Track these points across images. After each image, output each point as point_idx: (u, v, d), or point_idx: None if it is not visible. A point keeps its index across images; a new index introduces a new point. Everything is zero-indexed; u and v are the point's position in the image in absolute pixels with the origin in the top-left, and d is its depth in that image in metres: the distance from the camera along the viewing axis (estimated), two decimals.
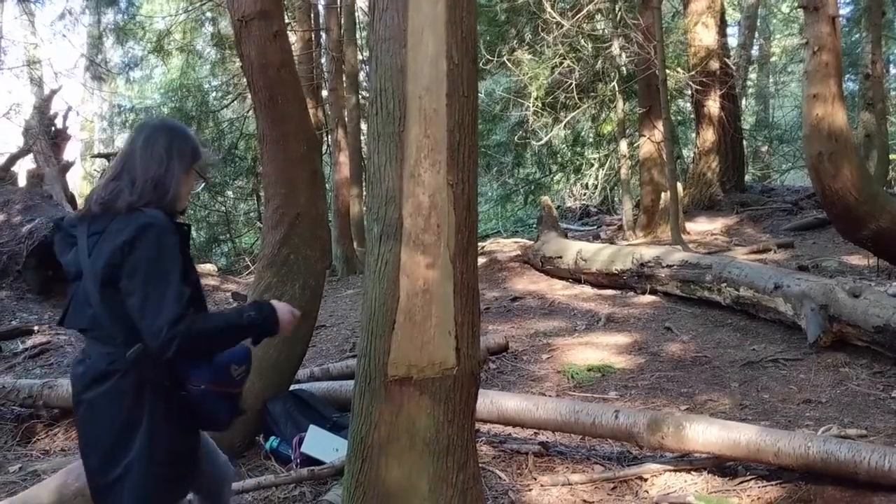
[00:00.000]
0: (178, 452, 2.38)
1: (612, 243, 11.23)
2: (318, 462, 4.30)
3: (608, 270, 8.35)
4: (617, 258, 8.28)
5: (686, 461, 4.04)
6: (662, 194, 13.62)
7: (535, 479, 4.12)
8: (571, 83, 13.48)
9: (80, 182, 19.57)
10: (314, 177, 4.97)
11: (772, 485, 3.72)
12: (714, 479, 3.89)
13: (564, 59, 13.82)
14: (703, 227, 13.41)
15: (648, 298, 7.75)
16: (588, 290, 8.64)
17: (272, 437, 4.52)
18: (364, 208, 16.22)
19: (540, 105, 14.21)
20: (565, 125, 15.50)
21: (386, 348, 2.89)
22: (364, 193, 16.80)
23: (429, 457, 2.93)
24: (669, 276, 7.49)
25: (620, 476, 4.04)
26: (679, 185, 13.01)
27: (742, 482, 3.81)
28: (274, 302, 2.51)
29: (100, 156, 16.07)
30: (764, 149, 22.07)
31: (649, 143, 14.37)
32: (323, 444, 4.38)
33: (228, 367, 2.38)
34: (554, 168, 20.46)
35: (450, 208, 2.89)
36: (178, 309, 2.18)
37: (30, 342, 8.63)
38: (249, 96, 15.99)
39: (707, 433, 3.78)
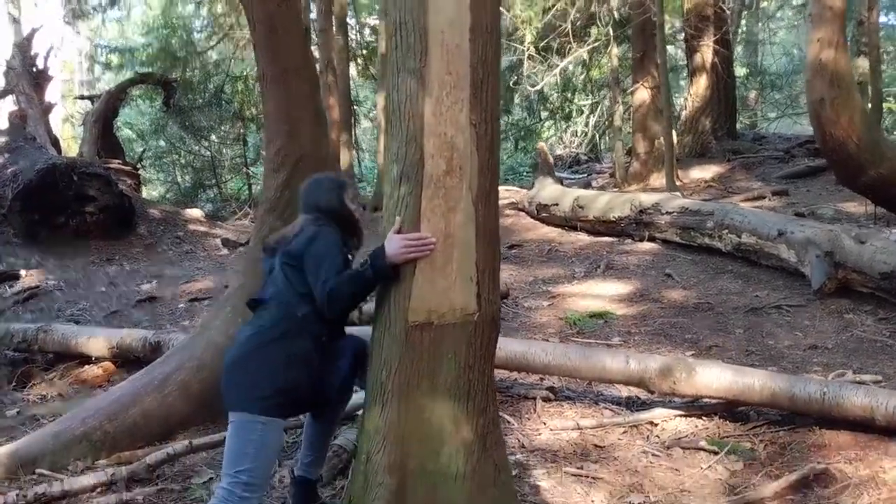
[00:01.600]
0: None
1: (598, 191, 11.17)
2: None
3: (606, 217, 8.28)
4: (615, 205, 8.21)
5: (697, 406, 4.03)
6: (655, 142, 13.54)
7: (545, 424, 4.10)
8: (566, 27, 13.22)
9: (62, 125, 19.17)
10: (317, 116, 4.83)
11: (784, 430, 3.72)
12: (725, 425, 3.88)
13: (558, 0, 13.57)
14: (695, 175, 13.33)
15: (647, 245, 7.70)
16: (585, 237, 8.58)
17: None
18: (352, 153, 16.03)
19: (534, 50, 13.98)
20: (556, 71, 15.28)
21: (406, 293, 2.81)
22: (353, 138, 16.61)
23: (449, 401, 2.87)
24: (669, 223, 7.44)
25: (631, 421, 4.03)
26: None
27: (754, 427, 3.81)
28: (386, 241, 2.79)
29: (83, 97, 15.71)
30: (751, 96, 21.92)
31: (642, 89, 14.21)
32: None
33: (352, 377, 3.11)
34: (544, 115, 20.27)
35: (472, 149, 2.79)
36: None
37: (18, 286, 8.50)
38: (236, 36, 15.62)
39: (721, 378, 3.75)
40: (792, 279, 6.03)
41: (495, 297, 2.94)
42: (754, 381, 3.67)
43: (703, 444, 3.72)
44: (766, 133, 17.65)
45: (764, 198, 10.21)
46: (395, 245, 2.73)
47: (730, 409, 3.94)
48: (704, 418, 3.97)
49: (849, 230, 5.48)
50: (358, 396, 4.35)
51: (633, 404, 4.26)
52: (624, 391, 4.38)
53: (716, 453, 3.65)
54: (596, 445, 3.88)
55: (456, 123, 2.76)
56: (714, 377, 3.76)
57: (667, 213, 7.46)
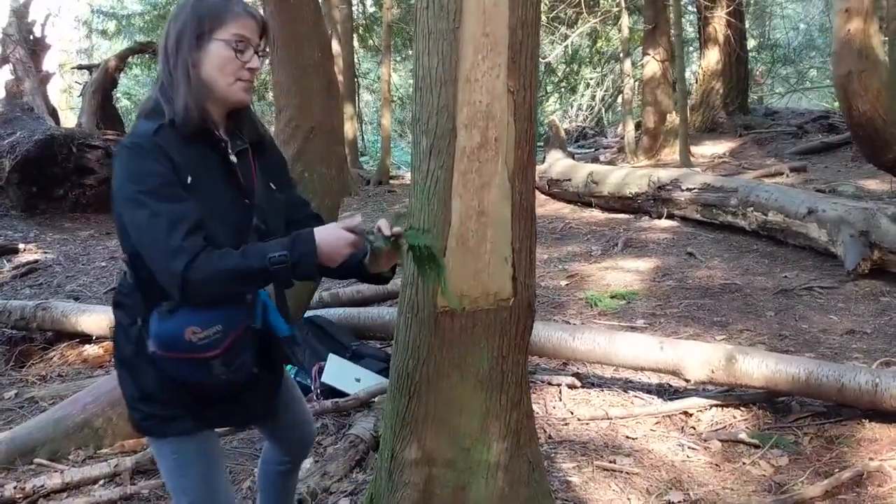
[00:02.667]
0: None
1: (612, 166, 10.90)
2: (338, 393, 4.04)
3: (621, 194, 8.03)
4: (631, 181, 7.95)
5: (734, 395, 3.81)
6: (668, 116, 13.25)
7: (572, 413, 3.88)
8: None
9: (60, 95, 18.81)
10: (330, 86, 4.57)
11: (831, 422, 3.50)
12: (766, 416, 3.66)
13: None
14: (707, 150, 13.08)
15: (665, 223, 7.47)
16: (599, 214, 8.34)
17: (288, 367, 4.22)
18: (355, 126, 15.72)
19: (544, 20, 13.65)
20: (567, 42, 14.95)
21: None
22: (356, 113, 16.28)
23: (481, 394, 2.64)
24: (689, 200, 7.19)
25: (664, 411, 3.81)
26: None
27: (797, 419, 3.59)
28: (319, 230, 1.92)
29: (81, 67, 15.38)
30: (759, 71, 21.54)
31: (653, 62, 13.89)
32: (343, 374, 4.11)
33: (181, 331, 1.85)
34: (549, 88, 19.93)
35: (509, 119, 2.53)
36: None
37: (16, 261, 8.27)
38: None
39: (763, 367, 3.53)
40: (821, 259, 5.79)
41: (532, 281, 2.71)
42: (799, 371, 3.45)
43: (743, 436, 3.50)
44: (777, 108, 17.34)
45: (782, 174, 9.94)
46: (334, 238, 1.91)
47: (770, 398, 3.72)
48: (742, 408, 3.74)
49: (884, 209, 5.23)
50: (367, 382, 4.16)
51: (664, 392, 4.03)
52: (653, 378, 4.15)
53: (757, 447, 3.44)
54: (627, 437, 3.66)
55: (492, 90, 2.50)
56: (756, 366, 3.54)
57: (687, 189, 7.21)
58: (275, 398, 2.30)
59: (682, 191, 7.25)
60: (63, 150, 9.50)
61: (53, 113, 11.75)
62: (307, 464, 3.55)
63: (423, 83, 2.58)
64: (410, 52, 19.89)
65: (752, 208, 6.45)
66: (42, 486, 3.29)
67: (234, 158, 2.00)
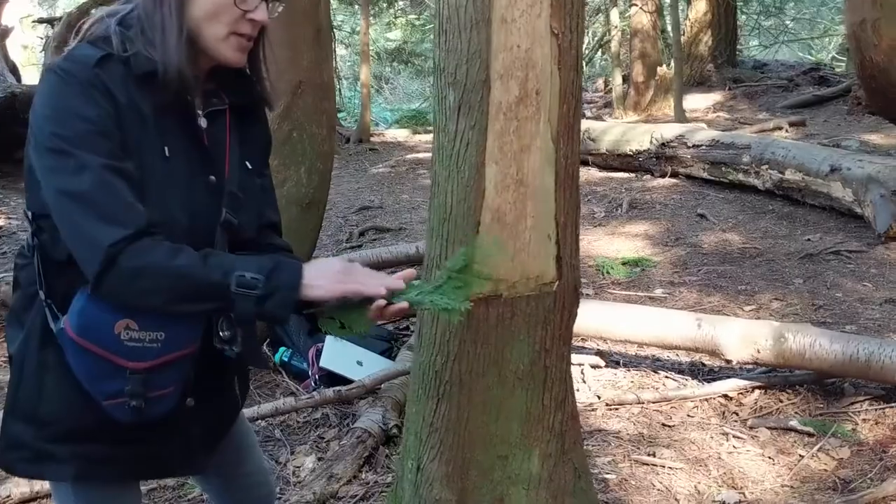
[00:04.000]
0: None
1: (606, 122, 10.48)
2: (339, 377, 3.64)
3: (620, 151, 7.62)
4: (631, 138, 7.54)
5: (779, 377, 3.45)
6: (658, 69, 12.82)
7: (599, 398, 3.51)
8: None
9: (21, 51, 17.96)
10: (319, 35, 4.10)
11: (892, 407, 3.16)
12: (816, 400, 3.32)
13: None
14: (696, 104, 12.69)
15: (669, 182, 7.08)
16: (596, 172, 7.93)
17: (282, 349, 3.83)
18: (333, 80, 15.10)
19: None
20: None
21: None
22: (334, 65, 15.65)
23: (522, 394, 2.25)
24: (696, 158, 6.80)
25: (701, 394, 3.45)
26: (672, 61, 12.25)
27: (852, 403, 3.24)
28: (310, 266, 1.44)
29: (42, 21, 14.60)
30: (740, 21, 21.07)
31: (642, 13, 13.45)
32: (344, 357, 3.71)
33: (111, 320, 1.37)
34: None
35: (553, 67, 2.09)
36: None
37: None
38: None
39: (816, 347, 3.17)
40: (845, 220, 5.45)
41: (577, 261, 2.30)
42: (858, 350, 3.09)
43: (794, 423, 3.15)
44: (767, 60, 16.93)
45: (781, 129, 9.58)
46: (331, 275, 1.44)
47: (819, 380, 3.38)
48: (789, 391, 3.40)
49: None
50: (370, 365, 3.75)
51: (698, 372, 3.68)
52: (683, 356, 3.79)
53: (811, 436, 3.09)
54: (664, 424, 3.31)
55: (533, 33, 2.05)
56: (808, 345, 3.18)
57: (694, 146, 6.81)
58: (220, 439, 1.72)
59: (689, 148, 6.85)
60: (25, 110, 8.91)
61: (14, 70, 11.08)
62: (309, 464, 3.17)
63: (448, 24, 2.13)
64: (387, 4, 19.21)
65: (766, 166, 6.07)
66: (9, 496, 2.87)
67: (203, 121, 1.49)
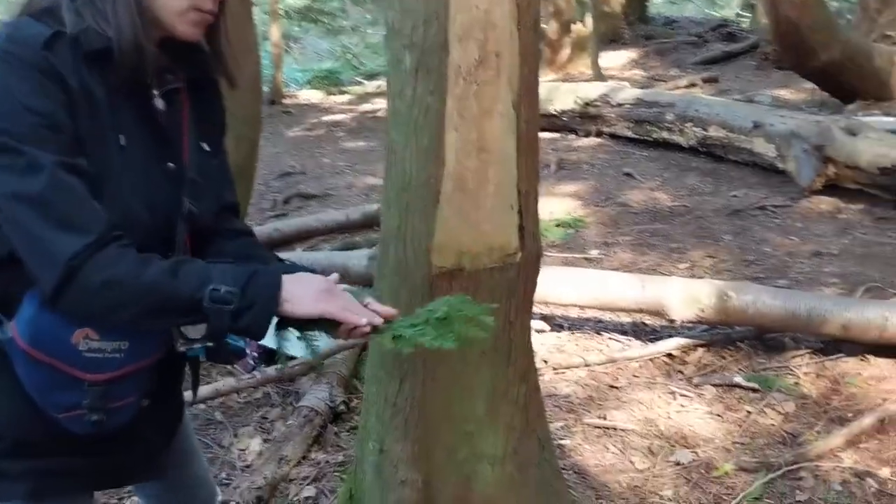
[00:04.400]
0: None
1: None
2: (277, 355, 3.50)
3: (544, 111, 7.57)
4: (555, 97, 7.51)
5: (721, 334, 3.50)
6: (573, 26, 12.83)
7: (546, 363, 3.49)
8: None
9: None
10: None
11: (831, 360, 3.24)
12: (758, 355, 3.38)
13: None
14: (612, 61, 12.77)
15: (594, 141, 7.10)
16: None
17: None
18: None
19: None
20: None
21: (428, 230, 2.05)
22: None
23: (487, 369, 2.20)
24: (620, 116, 6.84)
25: (645, 354, 3.47)
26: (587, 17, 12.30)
27: (794, 357, 3.31)
28: (290, 280, 1.31)
29: None
30: None
31: None
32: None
33: (68, 330, 1.23)
34: None
35: (513, 28, 1.99)
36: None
37: None
38: None
39: (758, 304, 3.22)
40: (767, 176, 5.57)
41: (538, 230, 2.24)
42: (800, 306, 3.16)
43: (738, 380, 3.20)
44: (676, 17, 17.19)
45: (695, 85, 9.75)
46: (312, 293, 1.31)
47: (759, 335, 3.44)
48: (731, 348, 3.45)
49: (837, 120, 5.00)
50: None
51: (640, 333, 3.70)
52: (625, 317, 3.81)
53: (756, 391, 3.15)
54: (611, 386, 3.32)
55: None
56: (750, 302, 3.22)
57: (618, 105, 6.84)
58: (173, 436, 1.61)
59: (613, 107, 6.88)
60: None
61: None
62: (255, 446, 3.05)
63: None
64: None
65: (690, 123, 6.14)
66: None
67: (160, 103, 1.34)
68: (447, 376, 2.17)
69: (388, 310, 1.43)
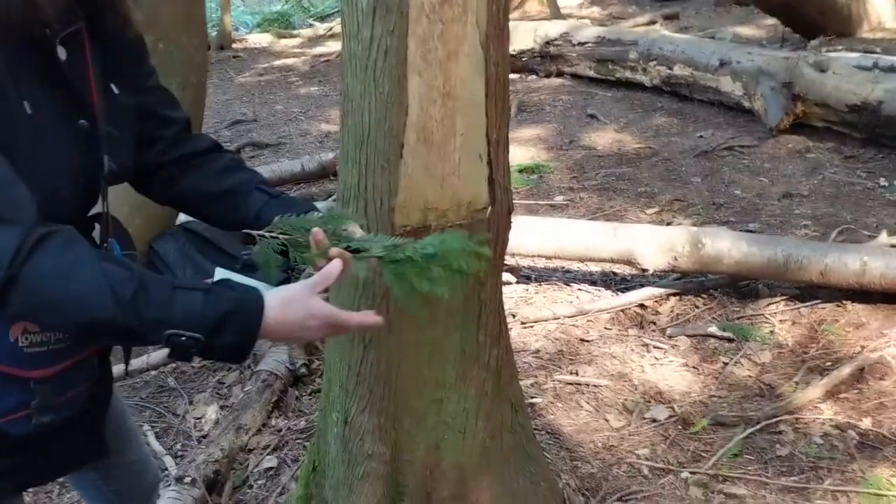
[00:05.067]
0: None
1: None
2: None
3: None
4: (514, 37, 7.21)
5: (694, 282, 3.39)
6: None
7: (514, 316, 3.36)
8: None
9: None
10: None
11: (806, 307, 3.15)
12: (732, 303, 3.28)
13: None
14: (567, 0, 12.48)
15: (555, 82, 6.90)
16: None
17: None
18: None
19: None
20: None
21: (391, 186, 1.86)
22: None
23: (456, 333, 2.04)
24: (582, 55, 6.63)
25: (616, 305, 3.35)
26: None
27: (769, 304, 3.22)
28: (273, 295, 1.16)
29: None
30: None
31: None
32: None
33: (3, 326, 1.11)
34: None
35: None
36: None
37: None
38: None
39: (734, 251, 3.11)
40: (733, 115, 5.44)
41: (509, 182, 2.07)
42: (777, 252, 3.05)
43: (713, 329, 3.11)
44: None
45: (655, 22, 9.55)
46: (299, 316, 1.16)
47: (732, 283, 3.34)
48: (704, 296, 3.34)
49: (805, 56, 4.86)
50: None
51: (611, 282, 3.58)
52: (593, 266, 3.68)
53: (731, 341, 3.06)
54: (582, 340, 3.20)
55: None
56: (725, 249, 3.11)
57: (579, 43, 6.63)
58: (103, 426, 1.43)
59: (574, 45, 6.66)
60: None
61: None
62: (212, 414, 2.89)
63: None
64: None
65: (654, 62, 5.96)
66: None
67: (62, 52, 1.14)
68: (414, 341, 2.02)
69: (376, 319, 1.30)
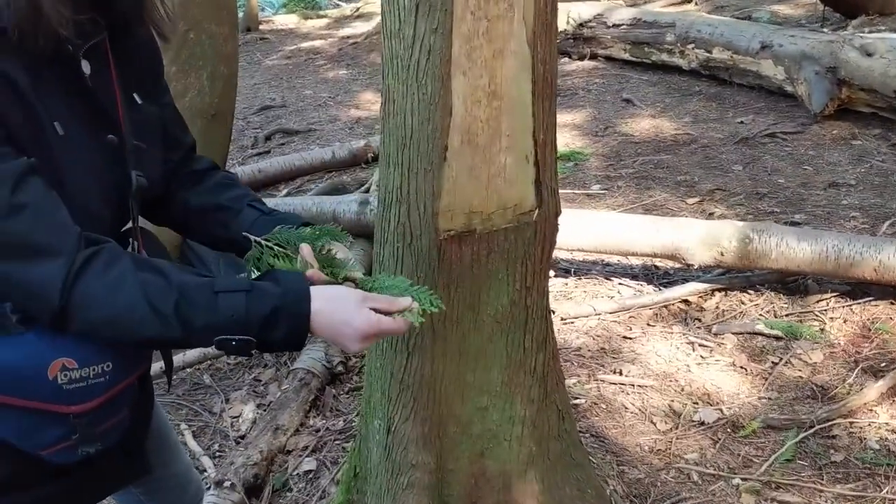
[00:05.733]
0: None
1: None
2: None
3: None
4: None
5: (740, 277, 3.29)
6: None
7: (553, 312, 3.28)
8: None
9: None
10: None
11: (859, 304, 3.05)
12: (780, 299, 3.18)
13: None
14: None
15: (588, 64, 6.77)
16: None
17: None
18: None
19: None
20: None
21: (434, 190, 1.80)
22: None
23: (501, 339, 1.98)
24: (616, 38, 6.49)
25: (659, 301, 3.27)
26: None
27: (818, 301, 3.12)
28: (319, 290, 1.14)
29: None
30: None
31: None
32: None
33: (42, 363, 1.06)
34: None
35: None
36: None
37: None
38: None
39: (783, 247, 3.00)
40: (775, 100, 5.28)
41: (556, 183, 1.99)
42: (827, 248, 2.94)
43: (760, 327, 3.01)
44: None
45: (690, 1, 9.34)
46: (359, 324, 1.15)
47: (780, 279, 3.23)
48: (750, 292, 3.25)
49: (851, 39, 4.70)
50: None
51: (652, 277, 3.49)
52: (634, 260, 3.59)
53: (779, 339, 2.96)
54: (625, 337, 3.12)
55: None
56: (774, 245, 3.01)
57: (614, 25, 6.49)
58: (145, 444, 1.41)
59: (609, 27, 6.52)
60: None
61: None
62: (249, 413, 2.86)
63: None
64: None
65: (692, 45, 5.81)
66: None
67: (86, 66, 1.09)
68: (458, 348, 1.96)
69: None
